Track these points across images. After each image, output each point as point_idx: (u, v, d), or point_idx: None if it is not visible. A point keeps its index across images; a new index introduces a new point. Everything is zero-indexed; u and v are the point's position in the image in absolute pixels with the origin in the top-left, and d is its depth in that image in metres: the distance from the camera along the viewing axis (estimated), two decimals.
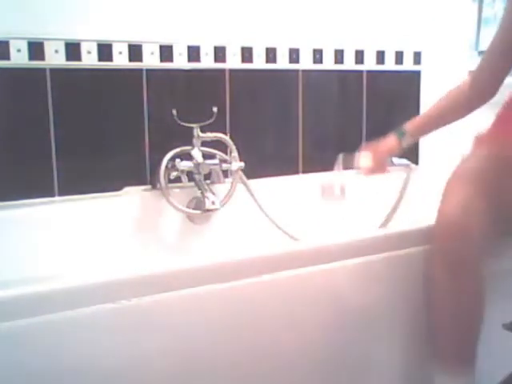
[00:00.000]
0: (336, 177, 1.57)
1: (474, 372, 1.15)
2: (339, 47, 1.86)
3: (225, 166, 1.61)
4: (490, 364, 1.19)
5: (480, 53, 1.87)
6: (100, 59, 1.53)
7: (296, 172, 1.85)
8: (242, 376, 1.04)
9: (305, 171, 1.86)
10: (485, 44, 1.78)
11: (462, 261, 1.09)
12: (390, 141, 1.48)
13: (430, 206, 1.16)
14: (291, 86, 1.81)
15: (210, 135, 1.59)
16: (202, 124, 1.58)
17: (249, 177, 1.68)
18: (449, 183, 1.18)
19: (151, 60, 1.60)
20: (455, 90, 1.41)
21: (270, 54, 1.76)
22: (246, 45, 1.72)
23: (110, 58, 1.55)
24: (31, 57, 1.46)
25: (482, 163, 1.20)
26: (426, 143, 1.98)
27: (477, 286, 1.11)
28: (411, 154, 2.03)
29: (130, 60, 1.57)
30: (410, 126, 1.46)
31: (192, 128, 1.57)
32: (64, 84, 1.50)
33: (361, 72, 1.91)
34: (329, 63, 1.85)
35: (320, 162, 1.88)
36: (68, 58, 1.50)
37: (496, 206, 1.12)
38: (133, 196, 1.58)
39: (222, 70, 1.69)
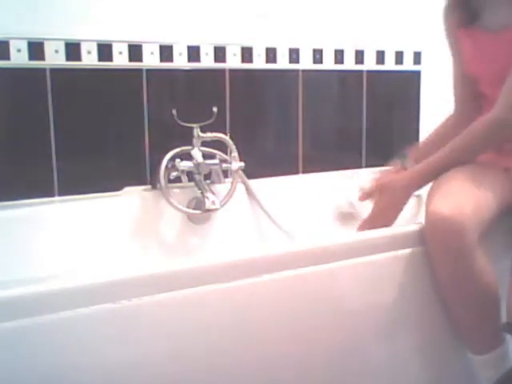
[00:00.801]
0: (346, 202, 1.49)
1: (504, 342, 1.19)
2: (339, 47, 1.86)
3: (225, 165, 1.61)
4: None
5: None
6: (100, 59, 1.53)
7: (296, 172, 1.85)
8: (242, 376, 1.04)
9: (305, 171, 1.86)
10: None
11: (462, 251, 1.11)
12: (396, 167, 1.43)
13: None
14: (291, 86, 1.81)
15: (210, 135, 1.59)
16: (202, 124, 1.57)
17: (249, 177, 1.68)
18: (433, 184, 1.22)
19: (151, 60, 1.60)
20: (447, 121, 1.45)
21: (270, 54, 1.76)
22: (246, 45, 1.72)
23: (110, 58, 1.55)
24: (31, 57, 1.46)
25: (466, 168, 1.24)
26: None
27: (484, 269, 1.13)
28: None
29: (130, 60, 1.57)
30: (412, 151, 1.44)
31: (192, 128, 1.57)
32: (64, 84, 1.50)
33: (361, 72, 1.91)
34: (329, 63, 1.85)
35: (320, 162, 1.88)
36: (68, 58, 1.50)
37: (481, 197, 1.15)
38: (133, 196, 1.58)
39: (222, 70, 1.69)
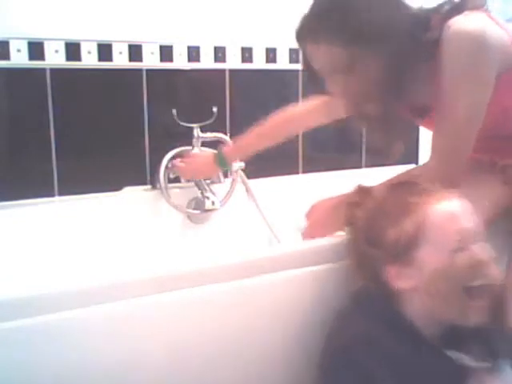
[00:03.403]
0: None
1: None
2: None
3: None
4: None
5: None
6: (100, 59, 1.53)
7: (296, 172, 1.85)
8: (241, 376, 1.04)
9: (305, 171, 1.86)
10: None
11: None
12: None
13: None
14: (291, 86, 1.81)
15: (209, 135, 1.59)
16: (201, 124, 1.58)
17: (249, 177, 1.68)
18: None
19: (151, 60, 1.60)
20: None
21: (270, 54, 1.76)
22: (246, 45, 1.72)
23: (110, 58, 1.55)
24: (31, 57, 1.46)
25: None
26: (425, 143, 1.98)
27: None
28: (411, 153, 2.03)
29: (130, 60, 1.57)
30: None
31: (192, 128, 1.57)
32: (64, 84, 1.50)
33: None
34: None
35: (320, 162, 1.88)
36: (68, 58, 1.50)
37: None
38: (133, 196, 1.58)
39: (222, 70, 1.69)
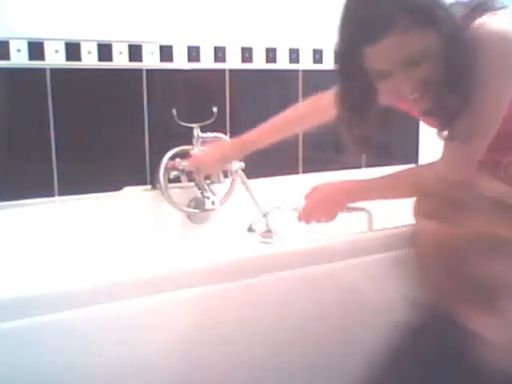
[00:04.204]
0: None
1: None
2: None
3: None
4: None
5: None
6: (100, 59, 1.53)
7: (296, 172, 1.85)
8: (241, 376, 1.04)
9: (305, 171, 1.86)
10: None
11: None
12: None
13: None
14: (291, 86, 1.81)
15: (210, 135, 1.59)
16: (201, 124, 1.58)
17: (249, 177, 1.68)
18: None
19: (151, 60, 1.60)
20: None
21: (270, 54, 1.76)
22: (246, 45, 1.72)
23: (110, 58, 1.55)
24: (31, 57, 1.46)
25: None
26: (425, 143, 1.98)
27: None
28: (411, 153, 2.03)
29: (130, 60, 1.57)
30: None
31: (192, 128, 1.57)
32: (64, 84, 1.50)
33: None
34: (328, 63, 1.85)
35: (320, 162, 1.88)
36: (68, 58, 1.50)
37: None
38: (133, 196, 1.58)
39: (222, 70, 1.69)
